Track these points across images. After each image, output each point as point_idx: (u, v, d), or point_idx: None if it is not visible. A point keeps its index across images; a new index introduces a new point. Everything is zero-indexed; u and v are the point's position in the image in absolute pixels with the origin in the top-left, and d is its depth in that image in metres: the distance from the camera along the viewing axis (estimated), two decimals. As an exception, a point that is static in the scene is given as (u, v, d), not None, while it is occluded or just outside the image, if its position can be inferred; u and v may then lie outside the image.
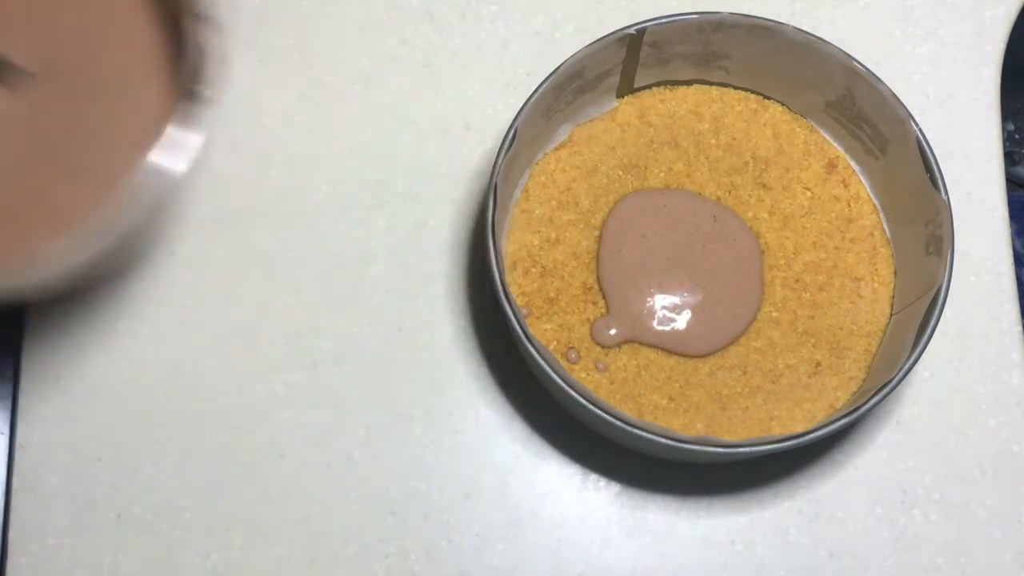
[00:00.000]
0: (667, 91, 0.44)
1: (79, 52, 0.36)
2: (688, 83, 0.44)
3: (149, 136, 0.34)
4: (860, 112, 0.42)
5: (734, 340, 0.41)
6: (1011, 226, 0.46)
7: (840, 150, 0.44)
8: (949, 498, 0.42)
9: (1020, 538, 0.41)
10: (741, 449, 0.36)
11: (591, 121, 0.44)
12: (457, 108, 0.46)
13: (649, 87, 0.44)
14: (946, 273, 0.38)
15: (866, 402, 0.37)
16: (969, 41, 0.48)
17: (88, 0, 0.37)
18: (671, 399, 0.40)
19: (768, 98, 0.44)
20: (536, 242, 0.42)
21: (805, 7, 0.48)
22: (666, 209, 0.42)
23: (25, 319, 0.43)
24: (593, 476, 0.42)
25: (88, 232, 0.31)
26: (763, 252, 0.42)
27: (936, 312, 0.38)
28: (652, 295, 0.41)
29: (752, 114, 0.44)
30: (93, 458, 0.41)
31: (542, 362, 0.37)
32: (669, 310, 0.41)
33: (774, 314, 0.41)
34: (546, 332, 0.41)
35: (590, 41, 0.41)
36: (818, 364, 0.41)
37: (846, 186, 0.43)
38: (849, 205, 0.43)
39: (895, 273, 0.42)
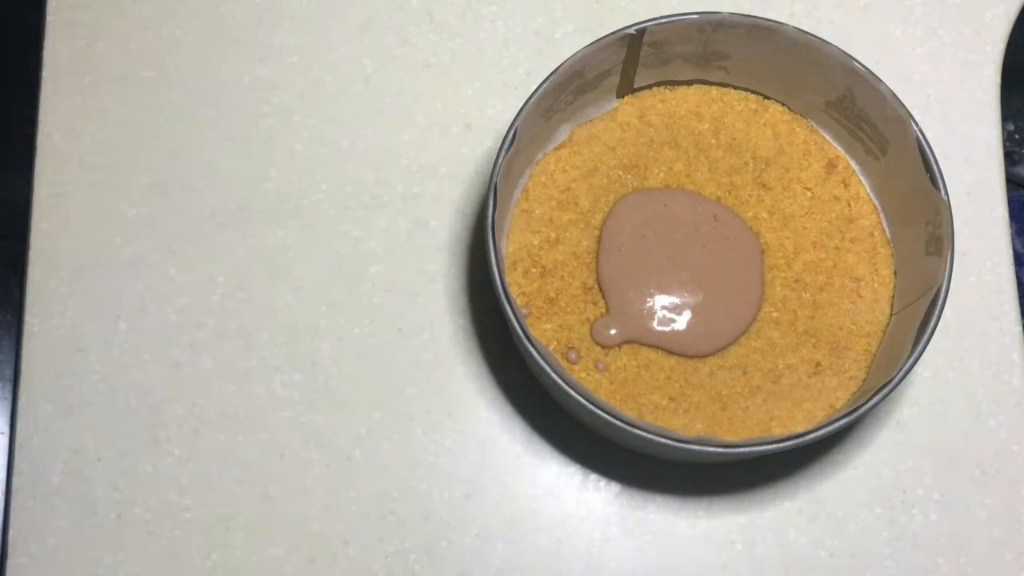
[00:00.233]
0: (667, 91, 0.44)
1: None
2: (688, 83, 0.44)
3: None
4: (860, 112, 0.42)
5: (734, 340, 0.41)
6: (1011, 226, 0.46)
7: (840, 150, 0.44)
8: (949, 498, 0.42)
9: (1020, 538, 0.41)
10: (741, 449, 0.36)
11: (591, 121, 0.44)
12: (457, 108, 0.46)
13: (649, 87, 0.44)
14: (946, 273, 0.38)
15: (866, 402, 0.37)
16: (969, 41, 0.48)
17: None
18: (671, 399, 0.40)
19: (768, 98, 0.44)
20: (536, 242, 0.42)
21: (805, 7, 0.48)
22: (666, 209, 0.42)
23: (24, 319, 0.43)
24: (593, 476, 0.42)
25: None
26: (763, 252, 0.42)
27: (936, 312, 0.38)
28: (652, 295, 0.41)
29: (752, 114, 0.44)
30: (93, 458, 0.41)
31: (542, 362, 0.37)
32: (669, 310, 0.41)
33: (774, 314, 0.41)
34: (546, 332, 0.41)
35: (590, 41, 0.41)
36: (818, 364, 0.41)
37: (846, 186, 0.43)
38: (849, 205, 0.43)
39: (895, 273, 0.42)
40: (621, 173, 0.43)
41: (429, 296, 0.44)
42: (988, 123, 0.47)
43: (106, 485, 0.41)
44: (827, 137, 0.44)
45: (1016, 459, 0.42)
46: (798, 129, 0.44)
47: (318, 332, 0.43)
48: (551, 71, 0.40)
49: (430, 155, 0.46)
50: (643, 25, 0.41)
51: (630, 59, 0.42)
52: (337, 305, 0.43)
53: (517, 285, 0.41)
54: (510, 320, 0.37)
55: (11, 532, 0.40)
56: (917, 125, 0.40)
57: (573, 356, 0.40)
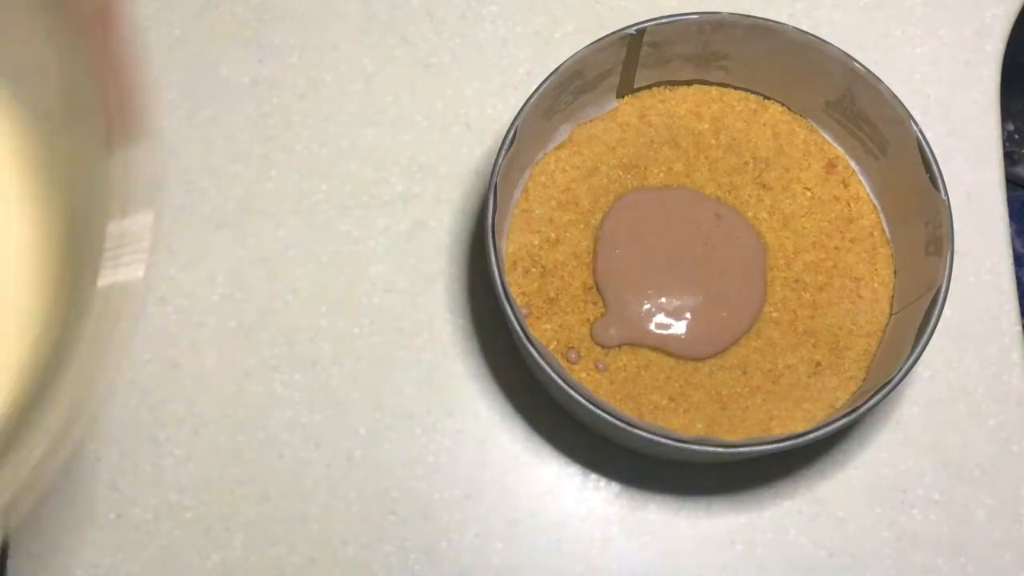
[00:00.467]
0: (667, 91, 0.44)
1: None
2: (688, 83, 0.44)
3: None
4: (860, 112, 0.42)
5: (735, 341, 0.41)
6: (1011, 226, 0.46)
7: (840, 150, 0.44)
8: (949, 498, 0.42)
9: (1020, 538, 0.41)
10: (741, 449, 0.36)
11: (591, 121, 0.44)
12: (457, 108, 0.46)
13: (649, 87, 0.44)
14: (946, 273, 0.38)
15: (866, 402, 0.37)
16: (969, 41, 0.48)
17: None
18: (671, 399, 0.40)
19: (768, 98, 0.44)
20: (536, 242, 0.42)
21: (805, 7, 0.48)
22: (666, 208, 0.42)
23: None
24: (593, 476, 0.42)
25: None
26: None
27: (936, 312, 0.38)
28: (651, 297, 0.41)
29: (752, 114, 0.44)
30: (93, 458, 0.41)
31: (542, 362, 0.37)
32: (668, 312, 0.41)
33: (774, 314, 0.41)
34: (546, 332, 0.41)
35: (590, 41, 0.41)
36: (818, 364, 0.41)
37: (846, 186, 0.43)
38: (849, 205, 0.43)
39: (895, 273, 0.42)
40: (621, 173, 0.43)
41: (429, 296, 0.44)
42: (988, 123, 0.47)
43: (106, 485, 0.41)
44: (827, 137, 0.44)
45: (1016, 459, 0.42)
46: (798, 129, 0.44)
47: (318, 332, 0.43)
48: (551, 71, 0.40)
49: (430, 155, 0.46)
50: (643, 25, 0.41)
51: (630, 59, 0.42)
52: (337, 305, 0.43)
53: (517, 285, 0.41)
54: (510, 320, 0.37)
55: (11, 532, 0.40)
56: (917, 125, 0.40)
57: (573, 356, 0.40)
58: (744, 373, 0.40)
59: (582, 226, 0.42)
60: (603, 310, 0.41)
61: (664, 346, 0.40)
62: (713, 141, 0.44)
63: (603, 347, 0.40)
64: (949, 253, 0.39)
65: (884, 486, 0.42)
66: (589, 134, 0.44)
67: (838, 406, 0.40)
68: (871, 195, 0.43)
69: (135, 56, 0.28)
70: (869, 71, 0.41)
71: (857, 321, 0.41)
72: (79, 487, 0.41)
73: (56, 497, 0.41)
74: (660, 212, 0.42)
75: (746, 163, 0.43)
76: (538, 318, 0.41)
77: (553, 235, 0.42)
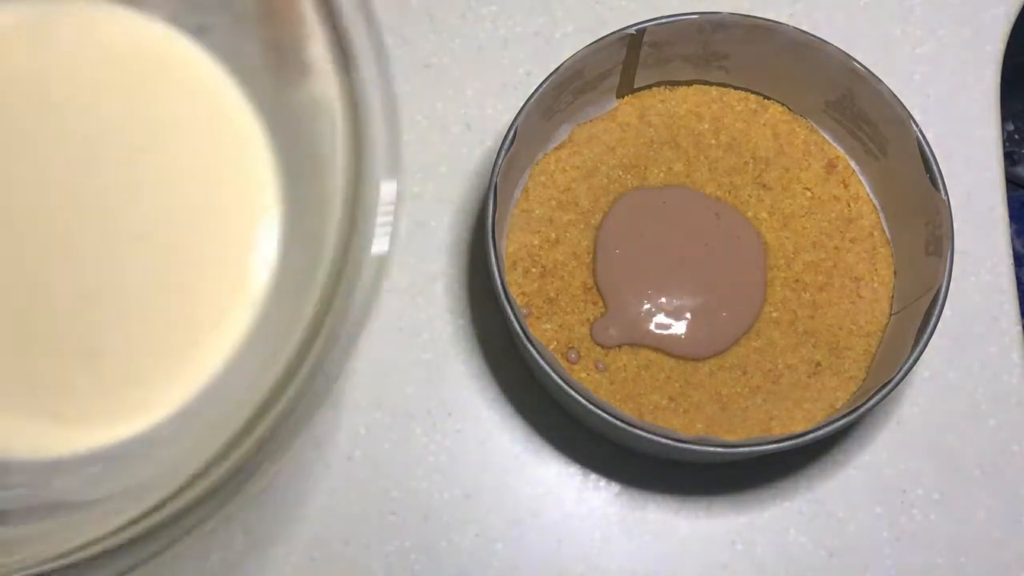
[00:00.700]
0: (667, 91, 0.44)
1: None
2: (688, 83, 0.44)
3: None
4: (860, 112, 0.42)
5: (735, 342, 0.41)
6: (1011, 226, 0.46)
7: (840, 150, 0.44)
8: (949, 498, 0.42)
9: (1020, 538, 0.41)
10: (741, 449, 0.36)
11: (591, 121, 0.44)
12: (457, 108, 0.46)
13: (649, 87, 0.44)
14: (946, 273, 0.38)
15: (866, 402, 0.37)
16: (969, 41, 0.48)
17: None
18: (671, 399, 0.40)
19: (768, 98, 0.44)
20: (536, 242, 0.42)
21: (805, 7, 0.48)
22: (666, 208, 0.42)
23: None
24: (593, 476, 0.42)
25: None
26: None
27: (936, 312, 0.38)
28: (651, 297, 0.41)
29: (752, 114, 0.44)
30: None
31: (542, 362, 0.37)
32: (668, 312, 0.41)
33: (774, 314, 0.41)
34: (546, 332, 0.41)
35: (590, 41, 0.41)
36: (818, 364, 0.41)
37: (846, 186, 0.43)
38: (849, 205, 0.43)
39: (895, 273, 0.42)
40: (621, 173, 0.43)
41: (429, 296, 0.44)
42: (988, 123, 0.47)
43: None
44: (827, 137, 0.44)
45: (1016, 459, 0.42)
46: (798, 129, 0.44)
47: (318, 332, 0.43)
48: (551, 71, 0.40)
49: (430, 155, 0.46)
50: (643, 25, 0.41)
51: (630, 59, 0.42)
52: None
53: (517, 285, 0.41)
54: (510, 320, 0.37)
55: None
56: (917, 125, 0.40)
57: (573, 356, 0.40)
58: (744, 373, 0.40)
59: (582, 226, 0.42)
60: (603, 310, 0.41)
61: (664, 346, 0.40)
62: (713, 141, 0.44)
63: (603, 347, 0.40)
64: (949, 253, 0.39)
65: (884, 486, 0.42)
66: (589, 134, 0.44)
67: (838, 406, 0.40)
68: (871, 195, 0.43)
69: None
70: (869, 71, 0.41)
71: (857, 321, 0.41)
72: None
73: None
74: (660, 212, 0.42)
75: (746, 163, 0.43)
76: (538, 318, 0.41)
77: (553, 235, 0.42)
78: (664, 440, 0.36)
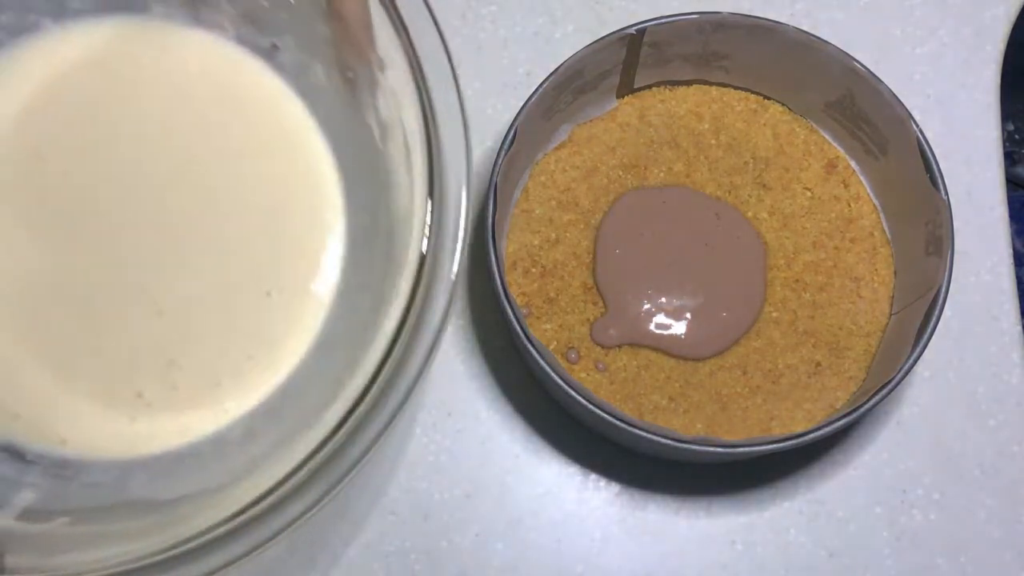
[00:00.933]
0: (667, 91, 0.44)
1: None
2: (688, 83, 0.44)
3: None
4: (860, 112, 0.42)
5: (735, 342, 0.41)
6: (1011, 226, 0.46)
7: (840, 150, 0.44)
8: (949, 498, 0.42)
9: (1020, 538, 0.41)
10: (741, 449, 0.36)
11: (591, 121, 0.44)
12: (457, 108, 0.46)
13: (649, 87, 0.44)
14: (946, 273, 0.38)
15: (866, 402, 0.37)
16: (969, 41, 0.48)
17: None
18: (671, 399, 0.40)
19: (768, 98, 0.44)
20: (536, 242, 0.42)
21: (805, 7, 0.48)
22: (666, 207, 0.42)
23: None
24: (593, 476, 0.42)
25: None
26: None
27: (936, 312, 0.38)
28: (651, 297, 0.41)
29: (752, 114, 0.44)
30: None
31: (542, 362, 0.37)
32: (668, 312, 0.41)
33: (774, 314, 0.41)
34: (546, 332, 0.41)
35: (590, 41, 0.41)
36: (818, 364, 0.41)
37: (846, 186, 0.43)
38: (849, 205, 0.43)
39: (895, 273, 0.42)
40: (621, 173, 0.43)
41: (429, 296, 0.44)
42: (988, 123, 0.47)
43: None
44: (827, 137, 0.44)
45: (1016, 459, 0.42)
46: (798, 129, 0.44)
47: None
48: (551, 71, 0.40)
49: (430, 155, 0.46)
50: (643, 25, 0.41)
51: (630, 59, 0.42)
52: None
53: (517, 285, 0.41)
54: (510, 320, 0.37)
55: None
56: (917, 125, 0.40)
57: (573, 356, 0.40)
58: (744, 373, 0.40)
59: (582, 226, 0.42)
60: (603, 310, 0.41)
61: (664, 346, 0.40)
62: (713, 141, 0.44)
63: (603, 347, 0.40)
64: (949, 253, 0.39)
65: (884, 486, 0.42)
66: (589, 134, 0.44)
67: (838, 406, 0.40)
68: (871, 195, 0.43)
69: None
70: (869, 71, 0.41)
71: (857, 321, 0.41)
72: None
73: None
74: (660, 212, 0.42)
75: (746, 163, 0.43)
76: (538, 318, 0.41)
77: (553, 235, 0.42)
78: (664, 440, 0.36)
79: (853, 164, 0.44)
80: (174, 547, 0.28)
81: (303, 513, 0.28)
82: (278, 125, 0.37)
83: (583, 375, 0.40)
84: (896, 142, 0.41)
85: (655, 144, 0.43)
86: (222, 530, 0.28)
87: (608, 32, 0.41)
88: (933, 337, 0.38)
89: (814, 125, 0.44)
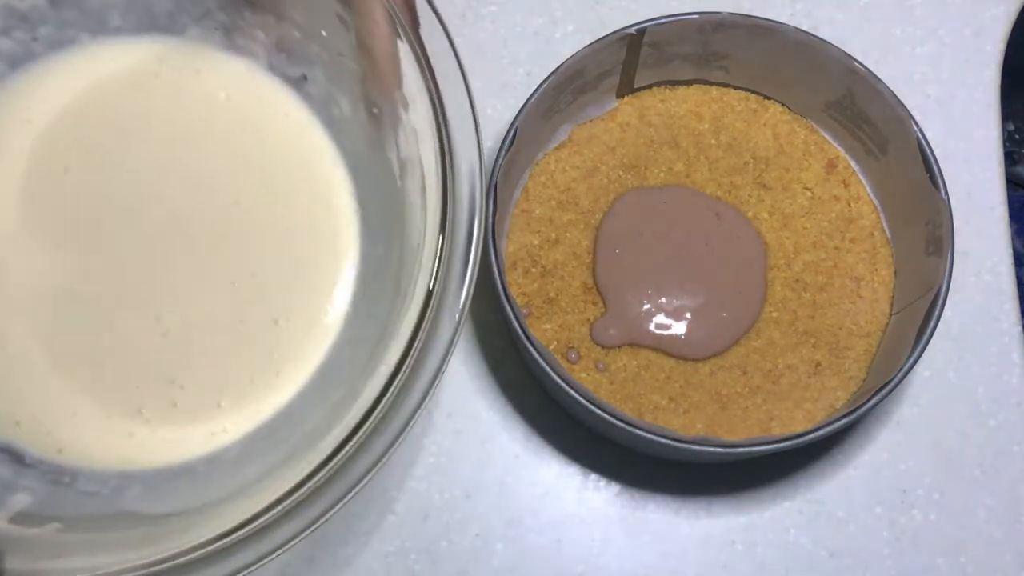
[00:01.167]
0: (667, 91, 0.44)
1: None
2: (688, 83, 0.44)
3: None
4: (860, 112, 0.42)
5: (735, 342, 0.41)
6: (1011, 226, 0.46)
7: (840, 150, 0.44)
8: (949, 498, 0.42)
9: (1020, 538, 0.41)
10: (741, 449, 0.36)
11: (591, 121, 0.44)
12: (457, 108, 0.46)
13: (649, 87, 0.44)
14: (946, 273, 0.38)
15: (866, 402, 0.37)
16: (969, 41, 0.48)
17: None
18: (671, 399, 0.40)
19: (768, 98, 0.44)
20: (536, 242, 0.42)
21: (805, 7, 0.48)
22: (666, 207, 0.42)
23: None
24: (593, 476, 0.42)
25: None
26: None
27: (936, 312, 0.38)
28: (650, 297, 0.41)
29: (752, 114, 0.44)
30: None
31: (542, 362, 0.37)
32: (668, 312, 0.41)
33: (774, 314, 0.41)
34: (546, 332, 0.41)
35: (590, 41, 0.41)
36: (818, 364, 0.41)
37: (846, 186, 0.43)
38: (849, 205, 0.43)
39: (895, 273, 0.42)
40: (621, 173, 0.43)
41: (429, 296, 0.44)
42: (988, 123, 0.47)
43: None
44: (827, 137, 0.44)
45: (1016, 459, 0.42)
46: (798, 129, 0.44)
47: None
48: (551, 71, 0.40)
49: (430, 155, 0.46)
50: (643, 25, 0.41)
51: (630, 59, 0.42)
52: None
53: (517, 285, 0.41)
54: (510, 320, 0.37)
55: None
56: (917, 125, 0.40)
57: (573, 356, 0.40)
58: (744, 373, 0.40)
59: (582, 226, 0.42)
60: (603, 310, 0.41)
61: (664, 346, 0.40)
62: (713, 141, 0.44)
63: (603, 347, 0.40)
64: (949, 253, 0.39)
65: (884, 486, 0.42)
66: (589, 134, 0.44)
67: (838, 406, 0.40)
68: (871, 195, 0.43)
69: None
70: (869, 71, 0.41)
71: (857, 321, 0.41)
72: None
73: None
74: (660, 212, 0.42)
75: (746, 163, 0.43)
76: (538, 318, 0.41)
77: (553, 235, 0.42)
78: (664, 440, 0.36)
79: (853, 164, 0.44)
80: (160, 562, 0.28)
81: (289, 540, 0.28)
82: (302, 155, 0.38)
83: (583, 375, 0.40)
84: (896, 142, 0.41)
85: (655, 144, 0.43)
86: (209, 549, 0.28)
87: (608, 32, 0.41)
88: (933, 337, 0.38)
89: (814, 125, 0.44)
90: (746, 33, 0.42)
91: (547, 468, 0.42)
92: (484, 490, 0.41)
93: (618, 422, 0.36)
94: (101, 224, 0.37)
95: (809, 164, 0.43)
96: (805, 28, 0.41)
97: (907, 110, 0.40)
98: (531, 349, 0.37)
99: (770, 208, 0.43)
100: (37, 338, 0.36)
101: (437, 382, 0.29)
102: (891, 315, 0.41)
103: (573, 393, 0.36)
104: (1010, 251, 0.45)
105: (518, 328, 0.37)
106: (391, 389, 0.29)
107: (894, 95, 0.41)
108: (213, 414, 0.35)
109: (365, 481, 0.29)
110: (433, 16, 0.32)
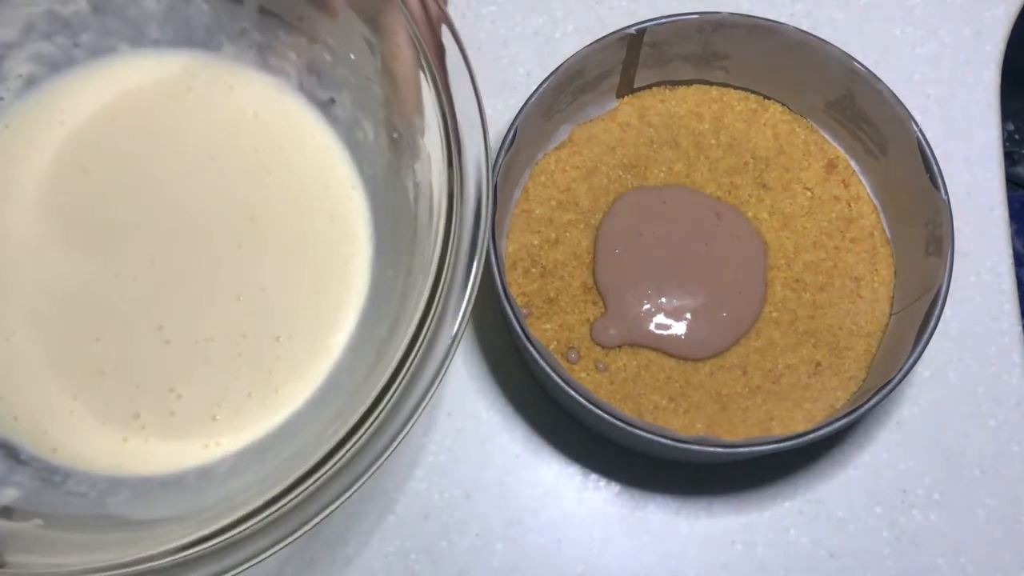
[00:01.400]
0: (667, 91, 0.44)
1: None
2: (688, 83, 0.44)
3: None
4: (860, 112, 0.42)
5: (735, 343, 0.41)
6: (1011, 226, 0.46)
7: (840, 150, 0.44)
8: (949, 498, 0.42)
9: (1020, 538, 0.41)
10: (741, 449, 0.36)
11: (591, 121, 0.44)
12: (457, 108, 0.46)
13: (649, 87, 0.44)
14: (946, 273, 0.38)
15: (866, 402, 0.37)
16: (969, 41, 0.48)
17: None
18: (671, 399, 0.40)
19: (768, 98, 0.44)
20: (536, 242, 0.42)
21: (805, 7, 0.48)
22: (665, 206, 0.42)
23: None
24: (593, 476, 0.42)
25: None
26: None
27: (936, 312, 0.38)
28: (650, 297, 0.41)
29: (752, 114, 0.44)
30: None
31: (542, 362, 0.37)
32: (668, 312, 0.41)
33: (774, 314, 0.41)
34: (546, 332, 0.41)
35: (590, 41, 0.41)
36: (818, 364, 0.41)
37: (846, 186, 0.43)
38: (849, 205, 0.43)
39: (895, 273, 0.42)
40: (621, 173, 0.43)
41: (429, 296, 0.44)
42: (988, 123, 0.47)
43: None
44: (827, 137, 0.44)
45: (1016, 459, 0.42)
46: (798, 129, 0.44)
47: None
48: (551, 71, 0.40)
49: (430, 155, 0.46)
50: (643, 25, 0.41)
51: (630, 59, 0.42)
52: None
53: (517, 285, 0.41)
54: (510, 320, 0.37)
55: None
56: (917, 125, 0.40)
57: (573, 356, 0.40)
58: (744, 373, 0.40)
59: (582, 226, 0.42)
60: (603, 310, 0.41)
61: (664, 346, 0.40)
62: (713, 141, 0.44)
63: (603, 347, 0.40)
64: (949, 253, 0.39)
65: (884, 486, 0.42)
66: (589, 134, 0.44)
67: (838, 406, 0.40)
68: (871, 195, 0.43)
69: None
70: (869, 71, 0.41)
71: (857, 321, 0.41)
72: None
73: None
74: (660, 212, 0.42)
75: (746, 163, 0.43)
76: (538, 318, 0.41)
77: (553, 235, 0.42)
78: (664, 440, 0.36)
79: (853, 164, 0.44)
80: (136, 563, 0.28)
81: (289, 536, 0.29)
82: (323, 178, 0.39)
83: (583, 375, 0.40)
84: (896, 142, 0.41)
85: (655, 144, 0.43)
86: (186, 554, 0.28)
87: (608, 32, 0.41)
88: (933, 337, 0.38)
89: (814, 125, 0.44)
90: (746, 33, 0.42)
91: (547, 468, 0.42)
92: (484, 490, 0.41)
93: (618, 422, 0.36)
94: (116, 227, 0.37)
95: (809, 164, 0.43)
96: (805, 28, 0.41)
97: (907, 110, 0.40)
98: (531, 349, 0.37)
99: (770, 208, 0.43)
100: (41, 334, 0.36)
101: (420, 409, 0.30)
102: (891, 315, 0.41)
103: (573, 393, 0.36)
104: (1010, 251, 0.45)
105: (518, 328, 0.37)
106: (391, 390, 0.29)
107: (894, 95, 0.41)
108: (208, 426, 0.36)
109: (363, 480, 0.29)
110: (455, 45, 0.33)
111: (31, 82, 0.38)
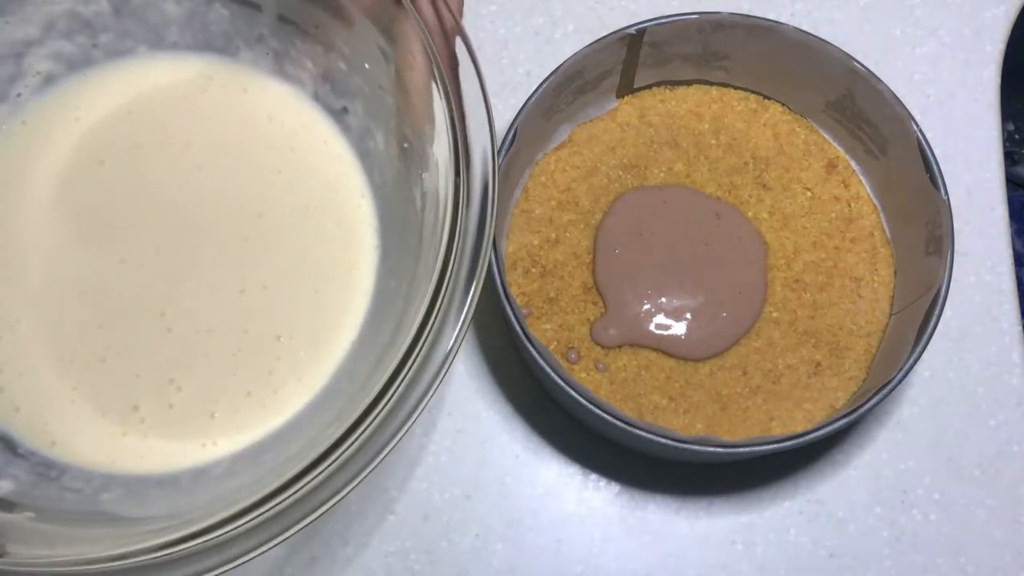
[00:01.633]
0: (667, 91, 0.44)
1: None
2: (688, 83, 0.44)
3: None
4: (860, 112, 0.42)
5: (735, 342, 0.41)
6: (1011, 226, 0.46)
7: (840, 150, 0.44)
8: (949, 498, 0.42)
9: (1020, 538, 0.41)
10: (741, 449, 0.36)
11: (591, 121, 0.44)
12: (457, 108, 0.46)
13: (649, 87, 0.44)
14: (946, 273, 0.38)
15: (866, 402, 0.37)
16: (969, 41, 0.48)
17: None
18: (671, 399, 0.40)
19: (768, 98, 0.44)
20: (536, 242, 0.42)
21: (805, 7, 0.48)
22: (665, 206, 0.42)
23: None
24: (593, 476, 0.42)
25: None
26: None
27: (936, 312, 0.38)
28: (650, 297, 0.41)
29: (752, 114, 0.44)
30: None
31: (542, 362, 0.37)
32: (668, 313, 0.41)
33: (774, 314, 0.41)
34: (546, 332, 0.40)
35: (590, 41, 0.41)
36: (818, 364, 0.41)
37: (846, 186, 0.43)
38: (849, 205, 0.43)
39: (895, 273, 0.42)
40: (621, 173, 0.43)
41: (429, 296, 0.44)
42: (988, 123, 0.47)
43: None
44: (827, 137, 0.44)
45: (1016, 459, 0.42)
46: (798, 129, 0.44)
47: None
48: (551, 71, 0.40)
49: (430, 155, 0.46)
50: (643, 25, 0.41)
51: (630, 59, 0.42)
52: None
53: (517, 285, 0.41)
54: (510, 320, 0.37)
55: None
56: (917, 125, 0.40)
57: (573, 356, 0.40)
58: (744, 373, 0.40)
59: (582, 226, 0.42)
60: (603, 310, 0.41)
61: (664, 346, 0.40)
62: (713, 141, 0.44)
63: (603, 347, 0.40)
64: (949, 253, 0.39)
65: (884, 486, 0.42)
66: (589, 134, 0.44)
67: (838, 406, 0.40)
68: (871, 195, 0.43)
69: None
70: (869, 71, 0.41)
71: (857, 321, 0.41)
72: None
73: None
74: (660, 212, 0.42)
75: (746, 163, 0.43)
76: (538, 318, 0.41)
77: (553, 235, 0.42)
78: (664, 440, 0.36)
79: (853, 164, 0.44)
80: (123, 557, 0.28)
81: (288, 529, 0.29)
82: (333, 184, 0.39)
83: (583, 375, 0.40)
84: (896, 142, 0.41)
85: (655, 144, 0.43)
86: (171, 552, 0.28)
87: (608, 32, 0.41)
88: (933, 337, 0.38)
89: (814, 125, 0.44)
90: (746, 33, 0.42)
91: (547, 468, 0.42)
92: (484, 490, 0.41)
93: (618, 422, 0.36)
94: (124, 218, 0.38)
95: (809, 164, 0.43)
96: (805, 28, 0.41)
97: (907, 110, 0.40)
98: (531, 349, 0.37)
99: (770, 208, 0.43)
100: (46, 322, 0.36)
101: (416, 414, 0.30)
102: (891, 315, 0.41)
103: (573, 393, 0.36)
104: (1010, 251, 0.45)
105: (518, 328, 0.37)
106: (389, 392, 0.30)
107: (894, 95, 0.41)
108: (207, 424, 0.36)
109: (361, 478, 0.29)
110: (468, 57, 0.33)
111: (49, 80, 0.39)
